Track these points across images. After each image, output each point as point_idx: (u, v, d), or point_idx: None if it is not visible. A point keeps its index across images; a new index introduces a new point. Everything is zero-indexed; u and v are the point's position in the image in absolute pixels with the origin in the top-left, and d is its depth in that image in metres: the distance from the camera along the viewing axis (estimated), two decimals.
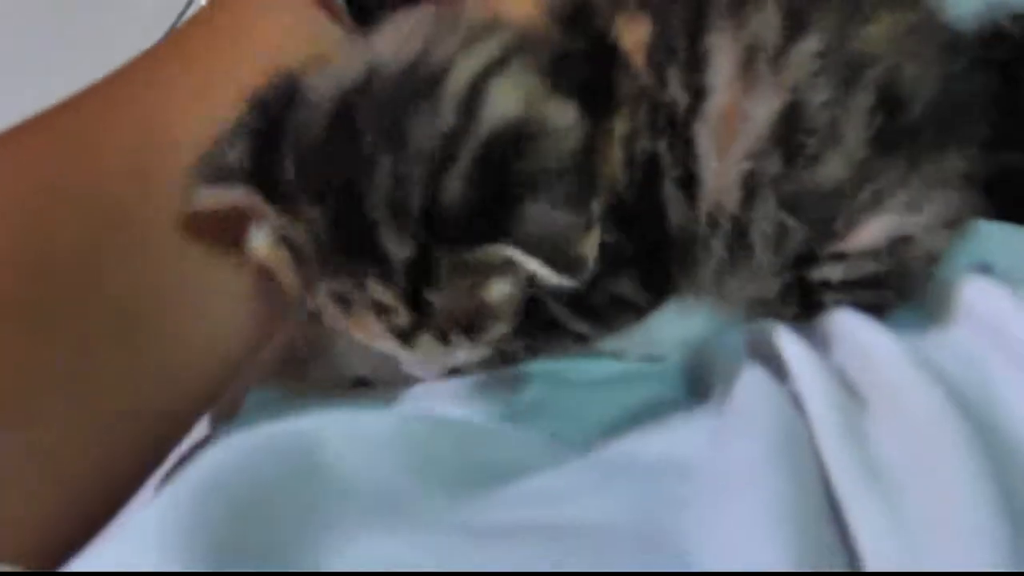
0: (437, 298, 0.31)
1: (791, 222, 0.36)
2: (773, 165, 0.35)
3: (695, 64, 0.35)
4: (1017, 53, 0.41)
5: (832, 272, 0.37)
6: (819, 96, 0.35)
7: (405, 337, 0.33)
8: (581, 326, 0.38)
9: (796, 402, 0.30)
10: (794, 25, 0.35)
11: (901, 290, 0.37)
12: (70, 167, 0.35)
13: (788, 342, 0.32)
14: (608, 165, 0.35)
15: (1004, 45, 0.41)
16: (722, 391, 0.32)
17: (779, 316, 0.37)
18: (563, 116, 0.32)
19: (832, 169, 0.35)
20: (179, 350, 0.36)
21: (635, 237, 0.36)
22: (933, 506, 0.25)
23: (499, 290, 0.32)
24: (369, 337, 0.33)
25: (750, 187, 0.36)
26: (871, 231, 0.36)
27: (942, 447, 0.26)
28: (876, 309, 0.36)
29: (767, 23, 0.35)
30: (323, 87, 0.32)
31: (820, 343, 0.34)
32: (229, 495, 0.25)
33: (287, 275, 0.33)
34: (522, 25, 0.35)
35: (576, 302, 0.36)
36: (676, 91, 0.35)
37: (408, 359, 0.36)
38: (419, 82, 0.32)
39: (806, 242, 0.37)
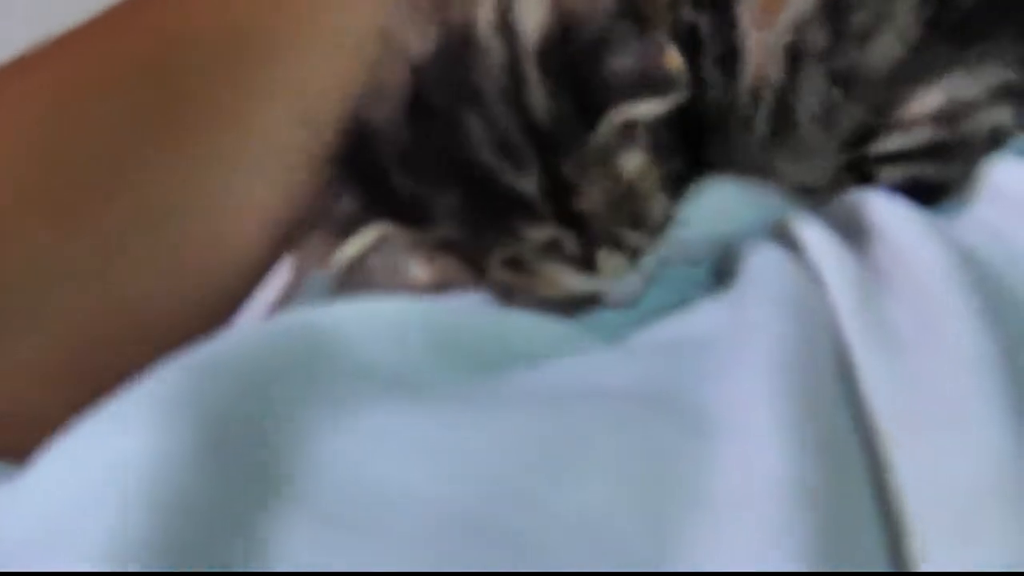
0: (587, 205, 0.32)
1: (841, 98, 0.35)
2: (820, 39, 0.34)
3: None
4: None
5: (890, 143, 0.36)
6: None
7: (588, 264, 0.33)
8: None
9: (813, 277, 0.29)
10: None
11: (965, 161, 0.35)
12: (95, 65, 0.35)
13: (805, 224, 0.32)
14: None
15: None
16: (742, 273, 0.32)
17: None
18: None
19: (885, 48, 0.34)
20: (208, 249, 0.36)
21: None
22: (936, 363, 0.25)
23: (632, 162, 0.32)
24: (561, 287, 0.33)
25: (796, 58, 0.35)
26: (927, 100, 0.35)
27: (949, 311, 0.25)
28: (939, 189, 0.35)
29: None
30: (382, 109, 0.33)
31: (843, 226, 0.33)
32: (228, 373, 0.24)
33: (458, 273, 0.34)
34: None
35: None
36: None
37: (609, 290, 0.35)
38: (458, 45, 0.33)
39: (863, 121, 0.36)
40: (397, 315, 0.29)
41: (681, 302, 0.33)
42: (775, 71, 0.35)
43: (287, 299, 0.42)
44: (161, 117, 0.35)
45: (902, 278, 0.29)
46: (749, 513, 0.21)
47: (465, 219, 0.32)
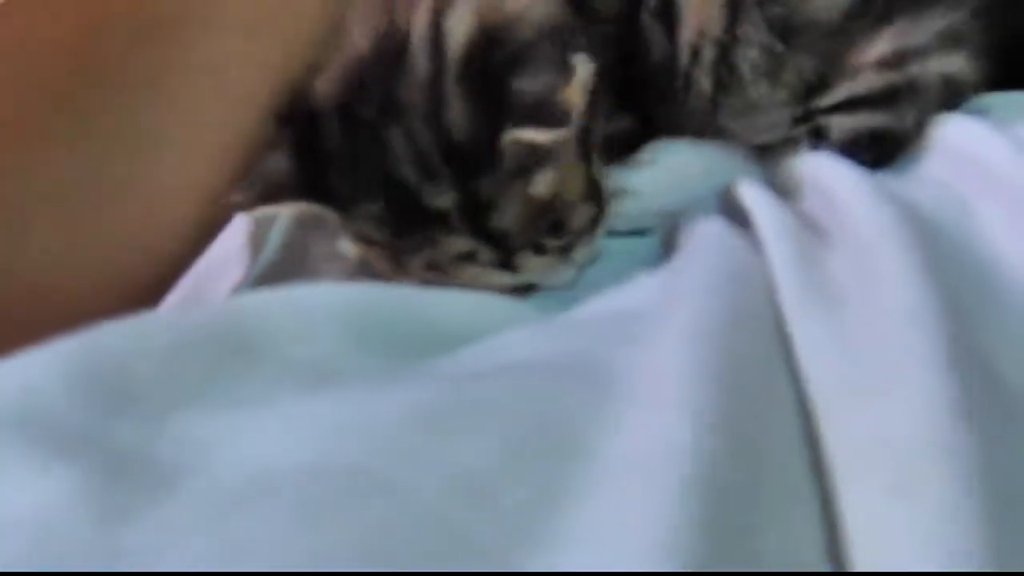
0: (503, 223, 0.32)
1: (785, 49, 0.34)
2: None
3: None
4: None
5: (838, 94, 0.35)
6: None
7: (507, 266, 0.33)
8: None
9: (756, 247, 0.29)
10: None
11: (918, 109, 0.35)
12: (12, 46, 0.35)
13: (748, 189, 0.31)
14: None
15: None
16: (682, 246, 0.31)
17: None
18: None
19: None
20: (140, 224, 0.36)
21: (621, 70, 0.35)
22: (874, 319, 0.25)
23: (543, 182, 0.32)
24: (482, 283, 0.33)
25: (735, 9, 0.34)
26: (874, 48, 0.35)
27: (889, 268, 0.26)
28: (894, 143, 0.34)
29: None
30: (325, 92, 0.34)
31: (791, 190, 0.33)
32: (123, 354, 0.24)
33: (382, 264, 0.34)
34: None
35: None
36: None
37: (537, 279, 0.35)
38: (392, 52, 0.33)
39: (810, 72, 0.35)
40: (323, 304, 0.29)
41: (624, 275, 0.32)
42: (715, 24, 0.34)
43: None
44: (78, 98, 0.35)
45: (845, 238, 0.28)
46: (640, 475, 0.20)
47: (387, 226, 0.33)
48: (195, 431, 0.23)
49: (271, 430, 0.23)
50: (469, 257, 0.33)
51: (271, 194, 0.34)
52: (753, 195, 0.31)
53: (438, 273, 0.33)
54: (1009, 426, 0.23)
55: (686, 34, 0.34)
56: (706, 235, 0.30)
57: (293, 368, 0.26)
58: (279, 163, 0.34)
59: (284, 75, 0.35)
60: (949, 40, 0.35)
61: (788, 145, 0.36)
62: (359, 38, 0.34)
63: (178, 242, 0.37)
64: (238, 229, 0.38)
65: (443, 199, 0.32)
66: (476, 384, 0.25)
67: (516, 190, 0.32)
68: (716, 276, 0.27)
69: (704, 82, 0.35)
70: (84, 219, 0.35)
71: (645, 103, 0.36)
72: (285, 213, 0.39)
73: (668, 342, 0.24)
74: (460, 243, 0.32)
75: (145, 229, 0.36)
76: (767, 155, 0.36)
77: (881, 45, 0.34)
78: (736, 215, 0.31)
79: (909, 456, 0.21)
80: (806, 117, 0.36)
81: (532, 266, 0.33)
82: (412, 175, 0.32)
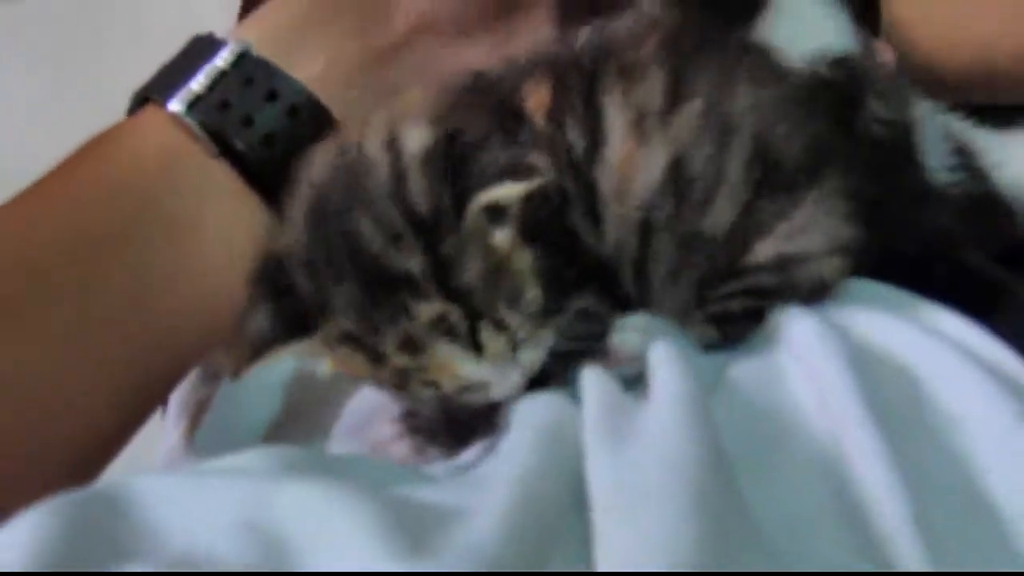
0: (467, 279, 0.35)
1: (687, 261, 0.40)
2: (666, 210, 0.39)
3: (592, 118, 0.40)
4: (842, 98, 0.46)
5: (726, 287, 0.41)
6: (702, 151, 0.39)
7: (471, 340, 0.36)
8: None
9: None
10: (677, 91, 0.40)
11: (789, 301, 0.40)
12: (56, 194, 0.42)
13: (587, 370, 0.36)
14: None
15: (829, 92, 0.45)
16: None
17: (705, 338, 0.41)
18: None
19: (721, 211, 0.40)
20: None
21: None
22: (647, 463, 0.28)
23: (502, 235, 0.36)
24: (450, 369, 0.36)
25: (646, 232, 0.40)
26: (761, 251, 0.40)
27: (674, 461, 0.28)
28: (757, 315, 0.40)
29: (652, 89, 0.40)
30: (287, 238, 0.38)
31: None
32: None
33: (358, 366, 0.37)
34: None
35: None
36: (575, 138, 0.40)
37: (493, 378, 0.37)
38: (349, 167, 0.38)
39: (705, 275, 0.41)
40: (202, 494, 0.29)
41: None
42: (631, 243, 0.40)
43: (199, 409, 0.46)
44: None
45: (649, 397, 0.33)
46: None
47: (361, 306, 0.35)
48: None
49: None
50: (442, 323, 0.35)
51: (257, 352, 0.36)
52: (588, 372, 0.35)
53: (413, 354, 0.35)
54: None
55: (610, 239, 0.39)
56: (544, 402, 0.34)
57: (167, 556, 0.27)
58: (259, 322, 0.37)
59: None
60: (838, 247, 0.40)
61: (685, 320, 0.41)
62: (317, 169, 0.38)
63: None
64: None
65: (412, 262, 0.35)
66: None
67: (477, 244, 0.35)
68: (534, 440, 0.31)
69: (626, 282, 0.40)
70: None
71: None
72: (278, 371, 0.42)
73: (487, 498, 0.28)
74: (430, 308, 0.35)
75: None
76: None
77: (767, 248, 0.40)
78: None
79: None
80: (699, 302, 0.41)
81: (493, 347, 0.36)
82: (379, 244, 0.35)
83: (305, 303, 0.36)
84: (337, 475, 0.30)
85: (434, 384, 0.37)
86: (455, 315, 0.35)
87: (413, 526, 0.27)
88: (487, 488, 0.28)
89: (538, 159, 0.37)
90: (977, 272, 0.43)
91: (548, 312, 0.37)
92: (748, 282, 0.41)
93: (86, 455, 0.43)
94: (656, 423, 0.30)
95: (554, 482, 0.28)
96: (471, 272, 0.35)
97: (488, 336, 0.36)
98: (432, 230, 0.35)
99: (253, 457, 0.31)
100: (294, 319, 0.36)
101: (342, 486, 0.28)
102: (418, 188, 0.36)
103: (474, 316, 0.36)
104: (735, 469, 0.29)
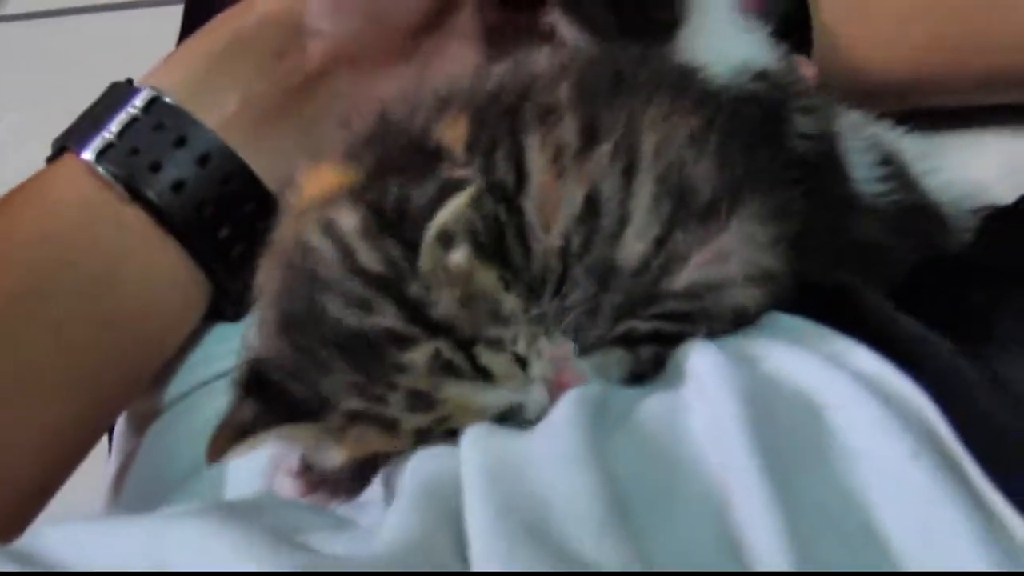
0: (444, 311, 0.36)
1: (601, 291, 0.41)
2: (580, 241, 0.40)
3: (517, 153, 0.41)
4: (767, 114, 0.46)
5: (642, 311, 0.41)
6: (610, 186, 0.40)
7: (474, 368, 0.36)
8: None
9: None
10: (591, 132, 0.41)
11: (703, 329, 0.40)
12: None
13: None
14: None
15: (753, 107, 0.46)
16: None
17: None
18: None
19: (630, 246, 0.41)
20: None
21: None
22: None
23: (459, 255, 0.36)
24: (470, 406, 0.36)
25: (565, 260, 0.40)
26: (677, 280, 0.41)
27: (558, 495, 0.29)
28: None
29: (567, 129, 0.41)
30: (263, 342, 0.38)
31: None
32: None
33: (373, 440, 0.37)
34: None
35: None
36: (503, 172, 0.41)
37: (516, 398, 0.37)
38: (299, 263, 0.38)
39: (620, 304, 0.41)
40: (105, 532, 0.30)
41: None
42: (554, 270, 0.41)
43: None
44: None
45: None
46: None
47: (357, 383, 0.36)
48: None
49: None
50: (438, 361, 0.35)
51: (241, 436, 0.36)
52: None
53: (428, 412, 0.35)
54: None
55: (536, 267, 0.40)
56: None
57: None
58: (244, 412, 0.37)
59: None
60: (757, 277, 0.41)
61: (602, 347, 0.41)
62: (270, 285, 0.39)
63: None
64: None
65: (387, 318, 0.35)
66: None
67: (439, 275, 0.36)
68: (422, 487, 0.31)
69: (547, 306, 0.40)
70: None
71: None
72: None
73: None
74: (421, 351, 0.35)
75: None
76: None
77: (683, 277, 0.40)
78: None
79: None
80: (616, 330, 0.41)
81: (498, 368, 0.36)
82: (351, 317, 0.35)
83: (297, 399, 0.37)
84: (238, 516, 0.30)
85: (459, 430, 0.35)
86: (447, 348, 0.36)
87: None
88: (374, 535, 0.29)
89: (462, 172, 0.38)
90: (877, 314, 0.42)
91: (540, 317, 0.38)
92: (661, 308, 0.41)
93: (8, 510, 0.43)
94: (539, 457, 0.31)
95: (437, 531, 0.29)
96: (445, 302, 0.36)
97: (489, 358, 0.36)
98: (394, 282, 0.36)
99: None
100: (282, 411, 0.36)
101: (231, 523, 0.29)
102: (367, 255, 0.36)
103: (466, 344, 0.36)
104: (632, 506, 0.29)
